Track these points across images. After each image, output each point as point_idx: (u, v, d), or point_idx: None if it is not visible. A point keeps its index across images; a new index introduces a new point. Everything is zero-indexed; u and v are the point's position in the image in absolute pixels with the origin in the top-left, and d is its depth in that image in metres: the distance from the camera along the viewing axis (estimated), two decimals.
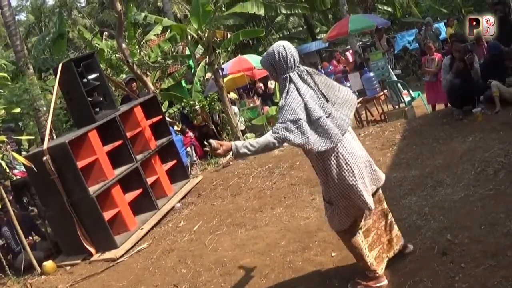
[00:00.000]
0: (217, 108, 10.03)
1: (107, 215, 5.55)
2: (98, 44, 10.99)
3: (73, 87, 5.93)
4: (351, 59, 16.78)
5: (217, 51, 9.12)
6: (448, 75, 6.27)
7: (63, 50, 11.07)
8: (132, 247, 5.50)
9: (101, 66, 7.67)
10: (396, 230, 3.42)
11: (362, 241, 3.20)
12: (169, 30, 12.12)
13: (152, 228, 5.88)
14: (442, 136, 5.72)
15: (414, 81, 12.68)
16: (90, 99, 5.96)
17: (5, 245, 6.16)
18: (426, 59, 8.34)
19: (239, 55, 15.33)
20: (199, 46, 10.54)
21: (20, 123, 9.92)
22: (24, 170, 6.53)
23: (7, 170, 5.75)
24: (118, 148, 5.97)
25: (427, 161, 5.13)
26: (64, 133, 7.44)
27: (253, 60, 13.57)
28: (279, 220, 4.90)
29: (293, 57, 2.98)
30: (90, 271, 5.26)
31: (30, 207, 7.40)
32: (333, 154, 2.99)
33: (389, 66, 9.62)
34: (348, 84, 10.00)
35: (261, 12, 12.35)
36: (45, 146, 5.43)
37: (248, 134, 9.53)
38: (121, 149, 6.00)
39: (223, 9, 9.90)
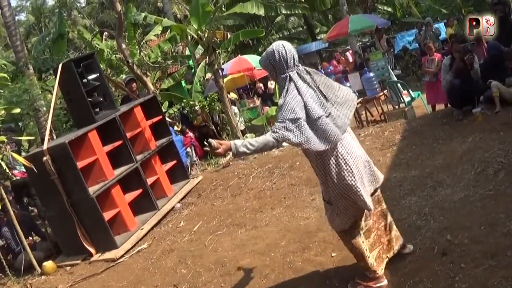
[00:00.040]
0: (217, 108, 10.03)
1: (107, 215, 5.55)
2: (98, 45, 10.99)
3: (73, 87, 5.94)
4: (351, 59, 16.79)
5: (217, 52, 9.11)
6: (448, 75, 6.27)
7: (63, 51, 11.06)
8: (132, 247, 5.51)
9: (101, 66, 7.67)
10: (395, 230, 3.42)
11: (363, 242, 3.20)
12: (169, 31, 12.13)
13: (152, 228, 5.88)
14: (442, 136, 5.72)
15: (414, 81, 12.68)
16: (90, 99, 5.97)
17: (5, 245, 6.16)
18: (426, 59, 8.34)
19: (239, 55, 15.34)
20: (199, 46, 10.54)
21: (20, 124, 9.92)
22: (24, 170, 6.53)
23: (7, 170, 5.75)
24: (118, 149, 5.97)
25: (427, 161, 5.13)
26: (64, 133, 7.44)
27: (253, 60, 13.57)
28: (279, 220, 4.90)
29: (293, 57, 2.99)
30: (90, 271, 5.26)
31: (30, 207, 7.40)
32: (332, 154, 2.99)
33: (389, 66, 9.61)
34: (348, 84, 10.00)
35: (261, 12, 12.35)
36: (45, 146, 5.43)
37: (248, 135, 9.53)
38: (121, 150, 6.00)
39: (223, 9, 9.89)
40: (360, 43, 20.11)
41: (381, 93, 8.75)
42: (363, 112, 8.70)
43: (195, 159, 8.96)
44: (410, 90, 9.01)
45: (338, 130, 2.96)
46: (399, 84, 8.83)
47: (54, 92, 6.06)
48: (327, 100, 2.99)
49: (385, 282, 3.25)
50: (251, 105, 11.94)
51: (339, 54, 19.20)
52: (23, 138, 7.91)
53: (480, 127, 5.53)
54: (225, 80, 10.89)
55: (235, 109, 10.16)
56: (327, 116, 2.94)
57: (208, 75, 12.14)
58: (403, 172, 5.06)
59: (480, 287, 2.89)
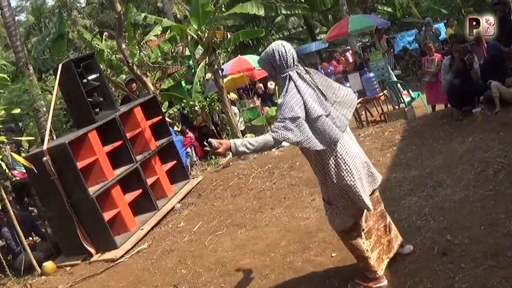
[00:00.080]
0: (217, 108, 10.04)
1: (107, 215, 5.55)
2: (98, 45, 11.00)
3: (73, 87, 5.94)
4: (351, 60, 16.78)
5: (217, 52, 9.11)
6: (448, 75, 6.27)
7: (63, 51, 11.06)
8: (132, 248, 5.51)
9: (101, 66, 7.67)
10: (394, 231, 3.42)
11: (363, 243, 3.20)
12: (169, 31, 12.12)
13: (152, 228, 5.88)
14: (442, 136, 5.72)
15: (414, 81, 12.68)
16: (90, 99, 5.97)
17: (5, 245, 6.16)
18: (426, 59, 8.34)
19: (239, 55, 15.34)
20: (199, 46, 10.53)
21: (20, 124, 9.92)
22: (24, 171, 6.53)
23: (7, 171, 5.75)
24: (118, 149, 5.97)
25: (427, 161, 5.13)
26: (64, 133, 7.45)
27: (253, 60, 13.56)
28: (279, 220, 4.90)
29: (292, 56, 2.99)
30: (90, 271, 5.26)
31: (30, 208, 7.39)
32: (331, 154, 2.99)
33: (389, 67, 9.61)
34: (348, 84, 9.99)
35: (261, 12, 12.34)
36: (45, 146, 5.43)
37: (248, 135, 9.53)
38: (121, 150, 6.00)
39: (223, 9, 9.90)
40: (360, 43, 20.11)
41: (381, 93, 8.75)
42: (363, 112, 8.71)
43: (195, 159, 8.97)
44: (410, 90, 9.01)
45: (338, 129, 2.96)
46: (399, 84, 8.83)
47: (54, 93, 6.07)
48: (326, 100, 3.00)
49: (385, 282, 3.25)
50: (251, 105, 11.94)
51: (339, 54, 19.20)
52: (23, 138, 7.92)
53: (480, 127, 5.53)
54: (225, 80, 10.89)
55: (235, 109, 10.16)
56: (326, 116, 2.94)
57: (208, 75, 12.14)
58: (403, 172, 5.06)
59: (480, 287, 2.89)
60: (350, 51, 17.70)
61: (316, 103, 2.94)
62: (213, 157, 8.28)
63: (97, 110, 6.07)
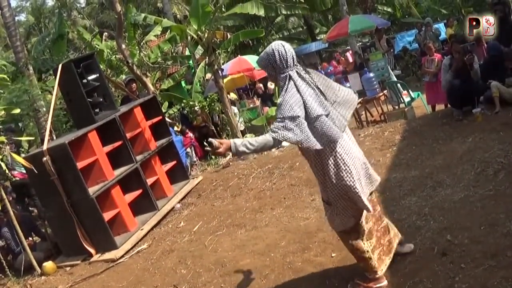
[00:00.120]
0: (217, 108, 10.04)
1: (107, 215, 5.55)
2: (98, 45, 11.01)
3: (73, 88, 5.94)
4: (351, 60, 16.78)
5: (217, 52, 9.12)
6: (448, 74, 6.27)
7: (63, 51, 11.06)
8: (132, 248, 5.51)
9: (101, 66, 7.67)
10: (393, 229, 3.42)
11: (364, 244, 3.19)
12: (169, 31, 12.12)
13: (152, 228, 5.88)
14: (442, 136, 5.72)
15: (414, 81, 12.68)
16: (90, 99, 5.97)
17: (5, 245, 6.16)
18: (426, 59, 8.34)
19: (239, 55, 15.35)
20: (199, 46, 10.53)
21: (20, 124, 9.91)
22: (24, 171, 6.53)
23: (7, 171, 5.75)
24: (118, 149, 5.97)
25: (427, 161, 5.13)
26: (64, 133, 7.44)
27: (253, 60, 13.56)
28: (279, 220, 4.90)
29: (292, 56, 2.99)
30: (90, 271, 5.26)
31: (30, 208, 7.40)
32: (331, 154, 2.99)
33: (389, 67, 9.61)
34: (348, 84, 9.99)
35: (261, 13, 12.33)
36: (45, 147, 5.43)
37: (248, 135, 9.53)
38: (121, 150, 6.00)
39: (223, 9, 9.90)
40: (360, 43, 20.11)
41: (381, 94, 8.75)
42: (363, 112, 8.71)
43: (195, 159, 8.97)
44: (410, 90, 9.01)
45: (337, 129, 2.96)
46: (399, 85, 8.83)
47: (54, 93, 6.07)
48: (326, 100, 3.00)
49: (385, 282, 3.25)
50: (251, 106, 11.94)
51: (339, 55, 19.20)
52: (23, 138, 7.91)
53: (480, 128, 5.54)
54: (225, 80, 10.90)
55: (235, 109, 10.16)
56: (326, 116, 2.94)
57: (208, 75, 12.15)
58: (403, 172, 5.06)
59: (480, 287, 2.89)
60: (350, 51, 17.70)
61: (316, 103, 2.94)
62: (213, 157, 8.29)
63: (97, 110, 6.07)
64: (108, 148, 5.86)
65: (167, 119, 7.84)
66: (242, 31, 12.23)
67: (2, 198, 5.58)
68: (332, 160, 2.99)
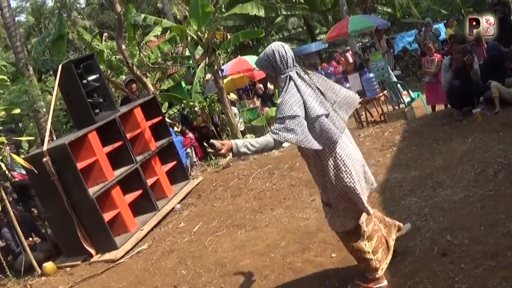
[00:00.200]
0: (217, 109, 10.04)
1: (107, 216, 5.55)
2: (98, 45, 11.01)
3: (73, 88, 5.94)
4: (351, 60, 16.78)
5: (217, 52, 9.12)
6: (448, 74, 6.27)
7: (63, 52, 11.06)
8: (132, 248, 5.51)
9: (101, 67, 7.67)
10: (392, 230, 3.42)
11: (365, 244, 3.19)
12: (169, 31, 12.12)
13: (152, 229, 5.88)
14: (442, 137, 5.72)
15: (414, 81, 12.68)
16: (90, 100, 5.97)
17: (5, 246, 6.16)
18: (426, 59, 8.34)
19: (239, 56, 15.34)
20: (199, 47, 10.53)
21: (20, 125, 9.91)
22: (23, 172, 6.53)
23: (7, 172, 5.75)
24: (118, 149, 5.97)
25: (427, 162, 5.13)
26: (64, 134, 7.45)
27: (253, 61, 13.53)
28: (279, 221, 4.90)
29: (292, 56, 3.00)
30: (90, 272, 5.26)
31: (31, 209, 7.39)
32: (331, 155, 2.99)
33: (388, 67, 9.61)
34: (348, 85, 9.98)
35: (261, 13, 12.34)
36: (45, 147, 5.43)
37: (248, 135, 9.54)
38: (121, 150, 6.00)
39: (223, 10, 9.90)
40: (360, 43, 20.12)
41: (381, 94, 8.75)
42: (363, 112, 8.71)
43: (195, 160, 8.97)
44: (410, 90, 9.01)
45: (337, 130, 2.96)
46: (399, 85, 8.83)
47: (54, 93, 6.07)
48: (326, 100, 3.00)
49: (385, 283, 3.25)
50: (251, 106, 11.95)
51: (339, 55, 19.20)
52: (23, 138, 7.91)
53: (480, 128, 5.54)
54: (225, 81, 10.90)
55: (235, 110, 10.16)
56: (326, 116, 2.94)
57: (208, 76, 12.15)
58: (403, 172, 5.06)
59: (480, 287, 2.89)
60: (350, 52, 17.69)
61: (316, 103, 2.94)
62: (213, 157, 8.29)
63: (97, 110, 6.07)
64: (108, 148, 5.86)
65: (167, 119, 7.84)
66: (242, 32, 12.23)
67: (2, 198, 5.58)
68: (332, 161, 2.99)
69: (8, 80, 8.48)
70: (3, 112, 6.30)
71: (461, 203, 3.99)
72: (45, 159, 5.30)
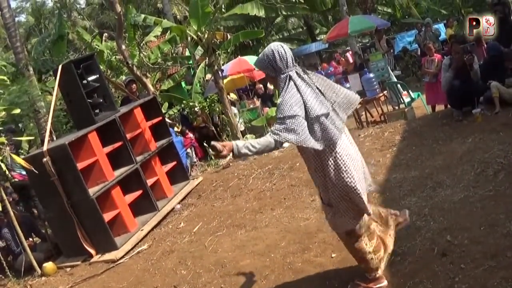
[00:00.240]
0: (217, 109, 10.04)
1: (107, 216, 5.55)
2: (98, 46, 11.01)
3: (73, 88, 5.94)
4: (351, 60, 16.78)
5: (217, 53, 9.13)
6: (448, 73, 6.27)
7: (63, 52, 11.07)
8: (132, 249, 5.51)
9: (101, 67, 7.67)
10: (389, 222, 3.42)
11: (366, 244, 3.19)
12: (169, 32, 12.13)
13: (152, 229, 5.88)
14: (442, 137, 5.72)
15: (414, 82, 12.68)
16: (90, 100, 5.97)
17: (6, 246, 6.16)
18: (426, 60, 8.35)
19: (239, 56, 15.34)
20: (199, 47, 10.53)
21: (20, 125, 9.92)
22: (23, 173, 6.53)
23: (7, 172, 5.75)
24: (118, 150, 5.97)
25: (427, 162, 5.13)
26: (64, 134, 7.46)
27: (253, 61, 13.49)
28: (279, 221, 4.90)
29: (291, 56, 3.00)
30: (90, 272, 5.26)
31: (32, 209, 7.40)
32: (331, 155, 2.98)
33: (388, 67, 9.61)
34: (348, 85, 9.98)
35: (261, 13, 12.35)
36: (45, 147, 5.43)
37: (248, 135, 9.53)
38: (121, 151, 6.00)
39: (223, 10, 9.91)
40: (360, 44, 20.11)
41: (381, 94, 8.75)
42: (363, 113, 8.71)
43: (195, 160, 8.97)
44: (410, 90, 9.01)
45: (336, 130, 2.96)
46: (399, 85, 8.83)
47: (54, 93, 6.07)
48: (326, 99, 3.00)
49: (385, 283, 3.25)
50: (251, 106, 11.95)
51: (339, 55, 19.18)
52: (23, 138, 7.91)
53: (480, 128, 5.54)
54: (225, 81, 10.90)
55: (235, 110, 10.16)
56: (326, 116, 2.94)
57: (208, 76, 12.15)
58: (403, 173, 5.06)
59: (480, 287, 2.89)
60: (350, 52, 17.68)
61: (316, 102, 2.93)
62: (213, 158, 8.28)
63: (97, 111, 6.07)
64: (108, 148, 5.87)
65: (167, 119, 7.85)
66: (242, 32, 12.22)
67: (2, 198, 5.58)
68: (332, 161, 2.99)
69: (8, 80, 8.48)
70: (3, 112, 6.30)
71: (461, 203, 3.99)
72: (45, 159, 5.30)
